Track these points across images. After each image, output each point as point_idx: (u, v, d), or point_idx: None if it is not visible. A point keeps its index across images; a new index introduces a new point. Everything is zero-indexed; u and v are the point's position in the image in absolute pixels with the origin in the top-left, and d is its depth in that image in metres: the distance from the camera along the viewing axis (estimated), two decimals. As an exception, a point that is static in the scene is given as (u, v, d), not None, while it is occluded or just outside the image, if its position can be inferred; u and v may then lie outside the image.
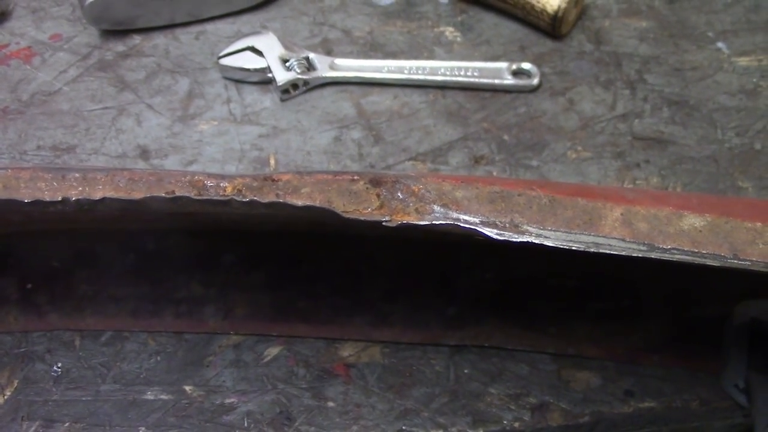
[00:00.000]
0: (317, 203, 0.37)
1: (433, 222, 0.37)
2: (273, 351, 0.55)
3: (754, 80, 0.70)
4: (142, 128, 0.67)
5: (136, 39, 0.75)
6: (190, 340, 0.56)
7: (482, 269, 0.56)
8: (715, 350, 0.53)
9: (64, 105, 0.69)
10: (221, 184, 0.37)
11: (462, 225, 0.37)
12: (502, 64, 0.71)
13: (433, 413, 0.52)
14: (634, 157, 0.65)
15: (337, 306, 0.55)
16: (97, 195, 0.38)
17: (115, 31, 0.75)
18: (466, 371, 0.54)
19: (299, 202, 0.37)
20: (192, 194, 0.37)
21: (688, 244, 0.36)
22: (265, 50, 0.71)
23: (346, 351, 0.55)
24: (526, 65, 0.71)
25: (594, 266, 0.54)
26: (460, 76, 0.70)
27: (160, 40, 0.75)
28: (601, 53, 0.73)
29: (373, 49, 0.74)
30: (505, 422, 0.51)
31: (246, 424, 0.51)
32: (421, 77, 0.70)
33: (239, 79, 0.71)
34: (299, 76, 0.69)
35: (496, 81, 0.70)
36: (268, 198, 0.37)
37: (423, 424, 0.51)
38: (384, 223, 0.37)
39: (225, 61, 0.70)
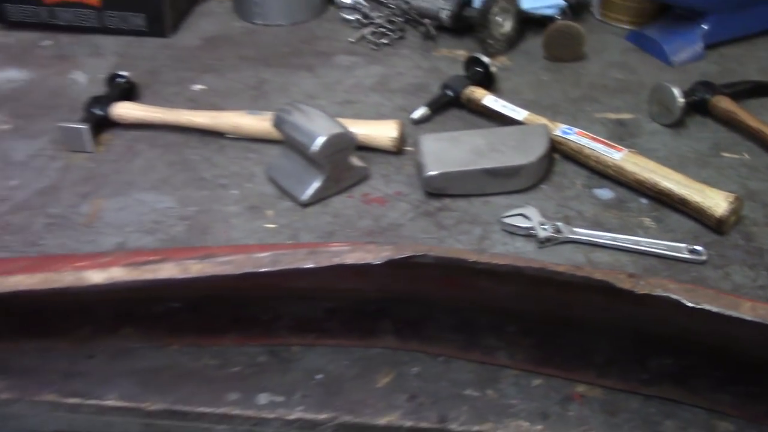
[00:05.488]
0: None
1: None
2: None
3: None
4: (454, 253, 1.11)
5: (447, 201, 1.21)
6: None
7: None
8: None
9: (406, 233, 1.15)
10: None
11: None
12: (682, 245, 1.11)
13: None
14: (766, 311, 1.01)
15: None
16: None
17: (434, 194, 1.22)
18: (651, 412, 0.90)
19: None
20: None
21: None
22: (530, 216, 1.14)
23: (579, 390, 0.93)
24: (698, 247, 1.10)
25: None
26: (653, 248, 1.11)
27: (461, 203, 1.20)
28: (750, 247, 1.12)
29: (596, 224, 1.16)
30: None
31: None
32: (629, 246, 1.11)
33: (512, 231, 1.15)
34: (552, 235, 1.12)
35: (678, 254, 1.10)
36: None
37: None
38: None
39: (506, 220, 1.15)
